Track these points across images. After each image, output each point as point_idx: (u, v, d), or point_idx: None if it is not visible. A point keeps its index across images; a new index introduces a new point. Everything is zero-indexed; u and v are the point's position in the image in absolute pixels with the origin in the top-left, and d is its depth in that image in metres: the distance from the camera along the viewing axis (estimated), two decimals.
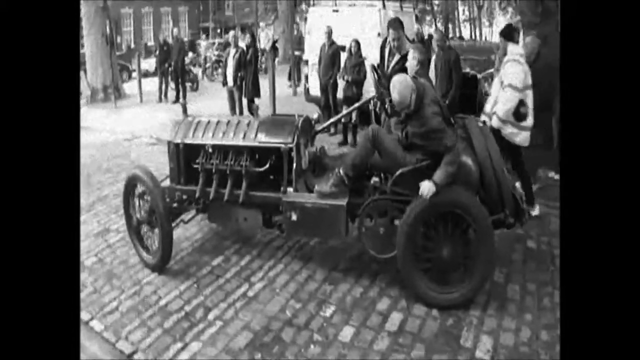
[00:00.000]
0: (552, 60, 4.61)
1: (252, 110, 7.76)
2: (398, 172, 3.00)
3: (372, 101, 3.50)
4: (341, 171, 3.07)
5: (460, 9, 38.17)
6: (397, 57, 4.65)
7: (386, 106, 3.37)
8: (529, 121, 4.15)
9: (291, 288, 3.34)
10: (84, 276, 3.58)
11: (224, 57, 8.06)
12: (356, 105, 3.79)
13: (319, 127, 3.62)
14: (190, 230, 4.19)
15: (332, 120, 3.90)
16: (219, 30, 24.55)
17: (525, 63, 4.13)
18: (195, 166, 3.51)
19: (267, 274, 3.53)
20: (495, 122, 4.15)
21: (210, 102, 10.62)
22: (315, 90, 8.37)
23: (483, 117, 4.39)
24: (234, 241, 4.03)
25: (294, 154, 3.22)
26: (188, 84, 11.03)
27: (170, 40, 10.49)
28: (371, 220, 3.13)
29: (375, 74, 3.48)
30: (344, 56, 7.15)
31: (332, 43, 7.16)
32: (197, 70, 13.32)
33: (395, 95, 2.88)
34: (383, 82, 3.46)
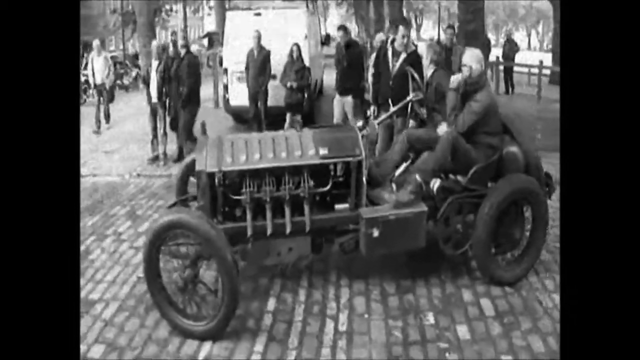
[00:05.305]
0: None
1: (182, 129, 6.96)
2: (474, 169, 3.07)
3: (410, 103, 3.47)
4: (418, 177, 3.02)
5: None
6: (403, 55, 4.63)
7: (419, 110, 3.40)
8: None
9: (376, 308, 3.17)
10: None
11: (145, 70, 7.01)
12: (398, 105, 3.69)
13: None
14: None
15: (379, 119, 3.75)
16: None
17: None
18: (238, 198, 2.98)
19: (339, 302, 3.27)
20: None
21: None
22: (237, 100, 7.92)
23: None
24: (270, 278, 3.60)
25: (363, 166, 3.02)
26: None
27: None
28: (448, 220, 3.14)
29: (411, 78, 3.46)
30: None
31: (261, 49, 6.84)
32: None
33: (476, 65, 3.09)
34: (420, 85, 3.48)
